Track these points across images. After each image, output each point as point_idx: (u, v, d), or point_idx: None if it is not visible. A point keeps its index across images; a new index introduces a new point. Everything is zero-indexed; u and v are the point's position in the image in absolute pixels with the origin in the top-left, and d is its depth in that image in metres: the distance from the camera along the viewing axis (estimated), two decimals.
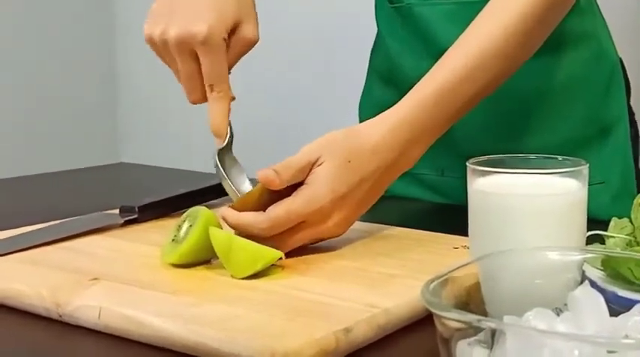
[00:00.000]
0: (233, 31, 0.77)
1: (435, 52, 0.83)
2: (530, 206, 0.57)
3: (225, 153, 0.77)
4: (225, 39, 0.75)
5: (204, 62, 0.75)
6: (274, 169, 0.67)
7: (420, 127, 0.73)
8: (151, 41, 0.77)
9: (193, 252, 0.65)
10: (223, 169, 0.76)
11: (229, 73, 0.79)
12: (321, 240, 0.71)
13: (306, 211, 0.68)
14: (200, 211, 0.67)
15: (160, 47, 0.77)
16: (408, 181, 0.98)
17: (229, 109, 0.78)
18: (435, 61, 0.75)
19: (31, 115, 2.11)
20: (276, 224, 0.67)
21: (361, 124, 0.74)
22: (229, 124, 0.78)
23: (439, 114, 0.73)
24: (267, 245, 0.64)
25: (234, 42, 0.78)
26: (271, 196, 0.68)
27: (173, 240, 0.66)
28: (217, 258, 0.66)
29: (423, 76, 0.75)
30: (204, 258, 0.66)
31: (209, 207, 0.85)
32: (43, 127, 2.13)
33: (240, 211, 0.68)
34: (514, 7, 0.74)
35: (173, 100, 2.26)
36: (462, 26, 0.77)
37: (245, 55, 0.80)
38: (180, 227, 0.67)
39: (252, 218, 0.67)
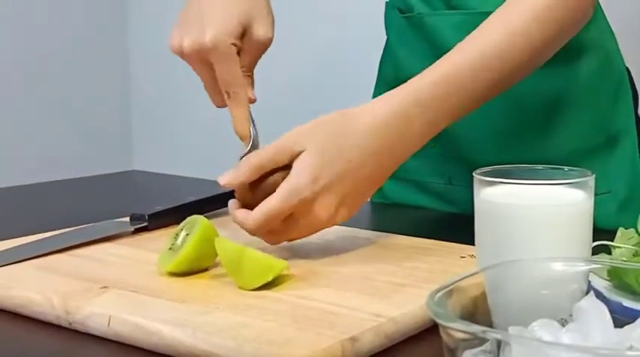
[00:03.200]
0: (245, 33, 0.78)
1: None
2: (535, 217, 0.57)
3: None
4: (234, 44, 0.76)
5: (217, 69, 0.76)
6: (239, 167, 0.68)
7: (417, 110, 0.70)
8: (175, 53, 0.79)
9: (190, 261, 0.65)
10: None
11: (251, 74, 0.80)
12: (322, 229, 0.70)
13: (288, 205, 0.66)
14: (198, 220, 0.67)
15: (183, 57, 0.78)
16: (415, 190, 0.98)
17: (249, 111, 0.79)
18: None
19: (45, 123, 2.13)
20: (260, 225, 0.67)
21: (349, 110, 0.71)
22: (253, 125, 0.79)
23: (438, 99, 0.71)
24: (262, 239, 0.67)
25: (247, 44, 0.78)
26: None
27: (170, 248, 0.66)
28: (215, 266, 0.66)
29: None
30: (201, 267, 0.67)
31: (218, 215, 0.85)
32: (56, 135, 2.15)
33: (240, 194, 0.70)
34: (523, 10, 0.74)
35: (186, 108, 2.28)
36: None
37: (264, 58, 0.81)
38: (177, 236, 0.67)
39: (240, 217, 0.68)
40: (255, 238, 0.70)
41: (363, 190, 0.70)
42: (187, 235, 0.67)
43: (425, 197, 0.98)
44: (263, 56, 0.82)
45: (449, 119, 0.73)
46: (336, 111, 0.70)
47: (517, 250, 0.56)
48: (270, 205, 0.67)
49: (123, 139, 2.32)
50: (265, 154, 0.68)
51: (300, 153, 0.67)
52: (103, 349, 0.55)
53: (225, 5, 0.77)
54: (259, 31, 0.78)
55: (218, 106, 0.80)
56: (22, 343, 0.57)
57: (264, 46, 0.80)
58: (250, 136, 0.78)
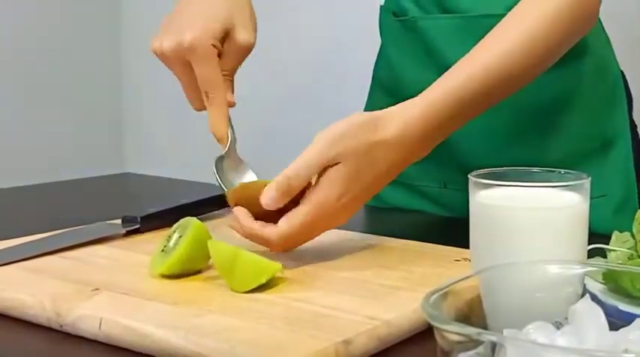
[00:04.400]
0: (227, 37, 0.78)
1: (439, 64, 0.83)
2: (531, 219, 0.57)
3: (229, 156, 0.78)
4: (214, 45, 0.76)
5: (196, 70, 0.77)
6: (275, 189, 0.66)
7: (431, 126, 0.71)
8: (156, 55, 0.79)
9: (182, 263, 0.65)
10: (227, 172, 0.77)
11: (232, 79, 0.80)
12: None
13: (318, 218, 0.68)
14: (190, 222, 0.67)
15: (163, 60, 0.78)
16: (411, 194, 0.98)
17: (227, 114, 0.78)
18: (438, 74, 0.75)
19: (37, 125, 2.12)
20: (291, 239, 0.68)
21: (377, 115, 0.70)
22: (231, 128, 0.79)
23: (454, 119, 0.73)
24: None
25: (228, 47, 0.78)
26: None
27: (162, 251, 0.66)
28: (208, 268, 0.66)
29: (425, 88, 0.75)
30: (194, 269, 0.66)
31: (211, 218, 0.85)
32: (48, 137, 2.14)
33: (241, 203, 0.69)
34: (528, 25, 0.74)
35: (179, 110, 2.27)
36: (465, 40, 0.78)
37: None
38: (169, 238, 0.67)
39: (264, 232, 0.67)
40: (248, 240, 0.70)
41: (369, 198, 0.72)
42: (180, 237, 0.66)
43: (420, 201, 0.98)
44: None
45: (457, 126, 0.74)
46: (364, 119, 0.69)
47: (512, 252, 0.56)
48: (300, 218, 0.67)
49: (115, 142, 2.31)
50: (309, 172, 0.67)
51: (333, 165, 0.67)
52: (94, 352, 0.54)
53: (207, 9, 0.78)
54: (241, 35, 0.78)
55: (197, 109, 0.80)
56: (12, 345, 0.57)
57: (246, 50, 0.79)
58: (228, 139, 0.78)
